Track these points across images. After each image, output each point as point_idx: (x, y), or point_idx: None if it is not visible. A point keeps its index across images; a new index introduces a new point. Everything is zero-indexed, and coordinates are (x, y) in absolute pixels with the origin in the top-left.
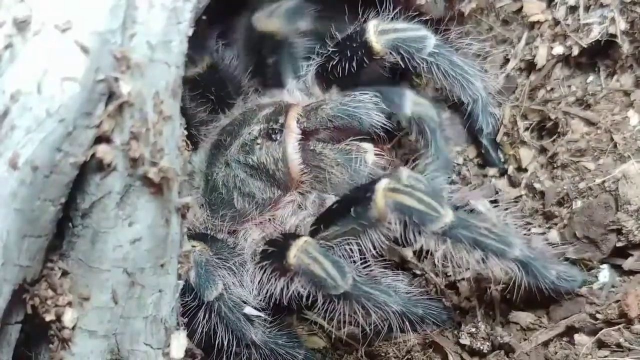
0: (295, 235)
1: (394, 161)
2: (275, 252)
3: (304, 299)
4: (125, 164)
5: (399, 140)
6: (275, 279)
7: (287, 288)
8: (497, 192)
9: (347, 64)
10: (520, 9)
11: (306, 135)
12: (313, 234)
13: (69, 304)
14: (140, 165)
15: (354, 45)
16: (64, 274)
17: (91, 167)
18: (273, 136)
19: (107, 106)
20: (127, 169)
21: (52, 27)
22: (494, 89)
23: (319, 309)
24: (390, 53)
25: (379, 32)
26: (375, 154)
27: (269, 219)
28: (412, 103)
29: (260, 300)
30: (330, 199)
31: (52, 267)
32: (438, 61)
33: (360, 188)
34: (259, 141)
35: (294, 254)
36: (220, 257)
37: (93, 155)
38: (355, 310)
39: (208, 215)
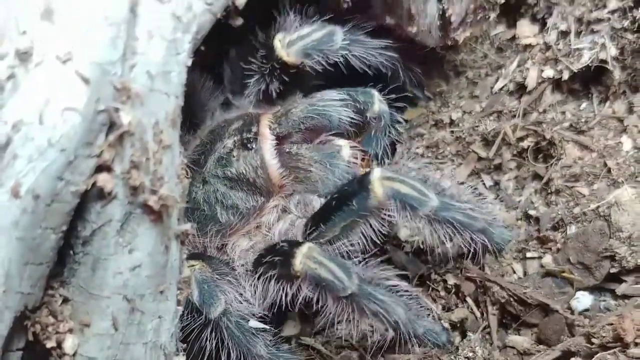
0: (297, 243)
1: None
2: (280, 260)
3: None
4: (125, 192)
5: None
6: (283, 288)
7: (297, 294)
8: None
9: (280, 80)
10: (514, 37)
11: (280, 140)
12: (311, 235)
13: (70, 330)
14: (141, 193)
15: (274, 62)
16: (65, 300)
17: (92, 196)
18: (249, 145)
19: (107, 136)
20: (128, 197)
21: (54, 58)
22: None
23: (323, 320)
24: (306, 59)
25: (287, 45)
26: (350, 148)
27: (256, 227)
28: (378, 100)
29: (263, 310)
30: (315, 199)
31: (53, 294)
32: (353, 50)
33: (354, 181)
34: (234, 153)
35: (300, 261)
36: (218, 272)
37: (94, 184)
38: (362, 312)
39: (194, 235)
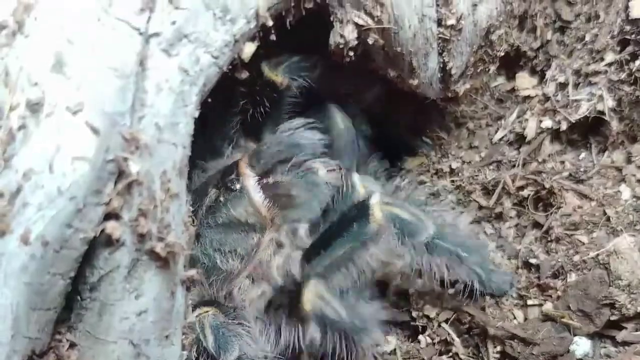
0: (301, 283)
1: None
2: (288, 302)
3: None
4: (133, 239)
5: None
6: (295, 330)
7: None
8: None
9: (260, 108)
10: (514, 89)
11: (261, 177)
12: (309, 262)
13: None
14: (148, 240)
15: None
16: (72, 345)
17: (100, 242)
18: (232, 187)
19: (116, 184)
20: (135, 244)
21: (64, 109)
22: None
23: None
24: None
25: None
26: (324, 166)
27: (256, 265)
28: (340, 118)
29: (277, 355)
30: (301, 226)
31: (60, 339)
32: None
33: (352, 208)
34: (221, 199)
35: (307, 299)
36: (231, 318)
37: (102, 231)
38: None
39: (201, 284)
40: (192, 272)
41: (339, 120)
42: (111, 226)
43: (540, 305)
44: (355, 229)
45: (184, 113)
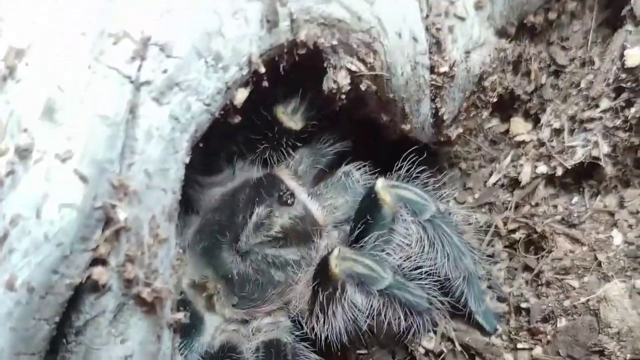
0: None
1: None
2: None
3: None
4: (119, 285)
5: None
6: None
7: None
8: None
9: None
10: (507, 130)
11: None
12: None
13: None
14: (135, 285)
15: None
16: None
17: (86, 287)
18: (288, 201)
19: (104, 230)
20: (122, 289)
21: (53, 156)
22: None
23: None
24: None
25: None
26: (357, 168)
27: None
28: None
29: None
30: (347, 228)
31: None
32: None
33: (363, 201)
34: (276, 213)
35: (335, 264)
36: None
37: (89, 277)
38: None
39: (245, 311)
40: (180, 315)
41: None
42: (98, 272)
43: (530, 349)
44: (373, 219)
45: (175, 159)
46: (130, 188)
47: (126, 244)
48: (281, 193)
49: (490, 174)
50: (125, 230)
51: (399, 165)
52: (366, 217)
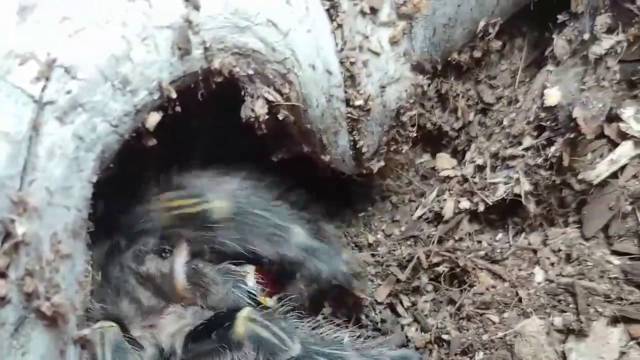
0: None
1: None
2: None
3: None
4: (20, 298)
5: None
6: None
7: None
8: (408, 340)
9: None
10: (435, 167)
11: (193, 255)
12: (194, 342)
13: None
14: (35, 299)
15: None
16: None
17: None
18: (163, 255)
19: (3, 243)
20: (22, 302)
21: None
22: None
23: None
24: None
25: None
26: (256, 276)
27: (150, 326)
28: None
29: None
30: (209, 314)
31: None
32: None
33: (226, 313)
34: (150, 255)
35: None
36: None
37: None
38: None
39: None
40: (85, 332)
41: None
42: None
43: None
44: (216, 335)
45: (79, 177)
46: (30, 204)
47: (25, 257)
48: (166, 247)
49: (417, 210)
50: (24, 245)
51: None
52: (214, 329)
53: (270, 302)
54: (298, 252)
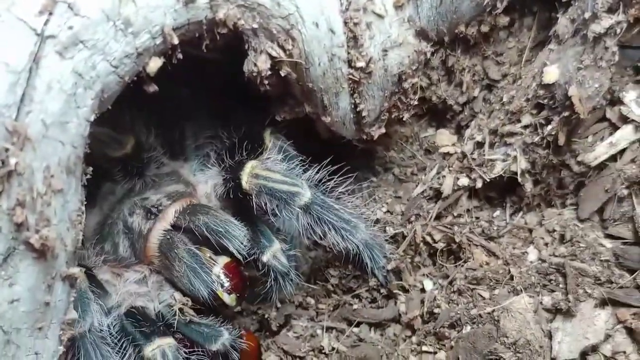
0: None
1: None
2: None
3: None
4: (10, 228)
5: None
6: None
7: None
8: (399, 315)
9: (228, 190)
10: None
11: (175, 227)
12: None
13: None
14: (24, 230)
15: (232, 176)
16: None
17: None
18: (149, 215)
19: None
20: (12, 233)
21: None
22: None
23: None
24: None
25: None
26: (223, 269)
27: (118, 275)
28: (271, 255)
29: None
30: (168, 288)
31: None
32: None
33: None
34: (138, 211)
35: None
36: None
37: None
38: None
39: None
40: (75, 270)
41: (266, 257)
42: None
43: (435, 353)
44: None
45: (76, 114)
46: (25, 135)
47: (17, 187)
48: (153, 209)
49: (417, 187)
50: (16, 174)
51: None
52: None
53: (226, 298)
54: None
